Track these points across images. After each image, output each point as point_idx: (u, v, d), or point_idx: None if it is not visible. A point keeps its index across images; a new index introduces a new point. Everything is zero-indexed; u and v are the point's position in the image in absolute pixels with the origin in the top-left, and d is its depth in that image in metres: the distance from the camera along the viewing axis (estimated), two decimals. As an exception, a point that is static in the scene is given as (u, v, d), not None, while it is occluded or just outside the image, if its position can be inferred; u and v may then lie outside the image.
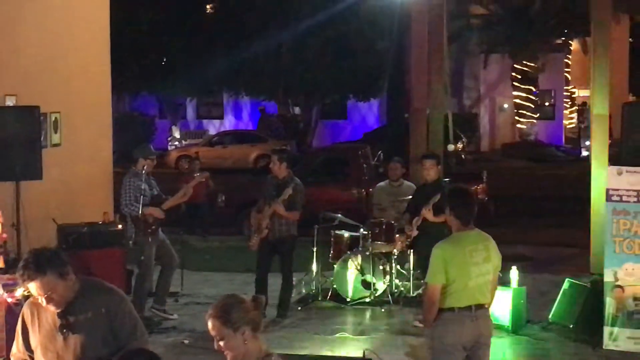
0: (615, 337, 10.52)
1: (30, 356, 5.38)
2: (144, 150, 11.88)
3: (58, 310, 5.23)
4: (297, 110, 36.85)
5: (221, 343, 4.68)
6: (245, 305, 4.76)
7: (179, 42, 33.71)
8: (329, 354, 10.47)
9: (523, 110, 44.30)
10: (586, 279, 12.02)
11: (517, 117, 44.47)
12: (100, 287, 5.45)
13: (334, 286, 12.76)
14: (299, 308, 12.43)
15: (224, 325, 4.67)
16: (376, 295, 12.56)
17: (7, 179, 11.28)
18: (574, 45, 45.08)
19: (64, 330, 5.24)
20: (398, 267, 12.82)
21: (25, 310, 5.43)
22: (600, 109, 14.51)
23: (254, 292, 11.94)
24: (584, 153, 35.13)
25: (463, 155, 35.24)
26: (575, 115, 47.26)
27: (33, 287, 5.16)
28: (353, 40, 32.06)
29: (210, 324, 4.71)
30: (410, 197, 12.82)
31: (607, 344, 10.53)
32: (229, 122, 42.64)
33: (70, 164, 14.10)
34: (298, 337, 11.21)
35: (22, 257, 5.59)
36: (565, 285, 11.73)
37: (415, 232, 11.84)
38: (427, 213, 11.41)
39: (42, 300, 5.20)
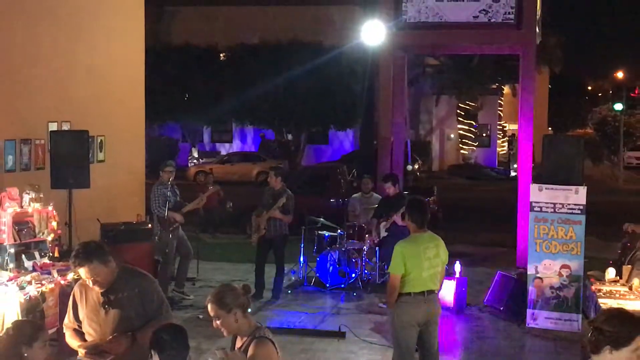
0: (536, 317, 10.55)
1: (78, 325, 5.36)
2: (161, 165, 11.93)
3: (101, 290, 5.22)
4: (289, 136, 36.75)
5: (218, 322, 4.66)
6: (236, 292, 4.74)
7: (198, 83, 33.71)
8: (312, 327, 10.50)
9: (465, 139, 44.47)
10: (513, 272, 12.04)
11: (460, 145, 44.62)
12: (134, 272, 5.44)
13: (317, 275, 12.75)
14: (289, 291, 12.39)
15: (220, 308, 4.65)
16: (349, 282, 12.55)
17: (62, 187, 11.26)
18: (506, 89, 45.30)
19: (106, 306, 5.22)
20: (367, 260, 12.83)
21: (76, 289, 5.41)
22: (525, 139, 14.58)
23: (254, 278, 11.98)
24: (513, 173, 35.22)
25: (418, 174, 35.28)
26: (506, 144, 47.42)
27: (82, 272, 5.15)
28: (334, 83, 32.08)
29: (209, 307, 4.70)
30: (376, 205, 12.88)
31: (529, 322, 10.57)
32: (236, 145, 42.52)
33: (112, 176, 14.09)
34: (288, 314, 11.19)
35: (74, 248, 5.57)
36: (497, 276, 11.77)
37: (384, 233, 11.84)
38: (397, 218, 11.44)
39: (89, 282, 5.18)
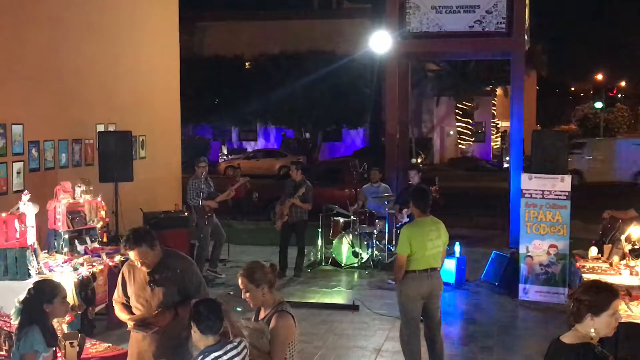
0: (527, 291, 10.56)
1: (126, 300, 5.38)
2: (195, 161, 12.01)
3: (148, 270, 5.24)
4: (307, 135, 36.75)
5: (247, 295, 4.68)
6: (265, 269, 4.74)
7: (227, 89, 33.75)
8: (329, 301, 10.54)
9: (463, 135, 44.27)
10: (507, 251, 12.03)
11: (459, 140, 44.44)
12: (176, 254, 5.45)
13: (333, 255, 12.77)
14: (309, 270, 12.43)
15: (250, 283, 4.66)
16: (362, 261, 12.57)
17: (109, 181, 11.34)
18: (498, 91, 45.04)
19: (152, 284, 5.24)
20: (377, 242, 12.84)
21: (124, 269, 5.44)
22: (516, 134, 14.53)
23: (278, 260, 12.03)
24: (505, 165, 35.08)
25: (421, 166, 35.19)
26: (499, 139, 47.22)
27: (132, 254, 5.17)
28: (346, 87, 32.03)
29: (240, 280, 4.71)
30: (387, 193, 12.89)
31: (521, 295, 10.57)
32: (260, 143, 42.52)
33: (152, 171, 14.16)
34: (308, 289, 11.23)
35: (120, 234, 5.60)
36: (492, 255, 11.76)
37: (406, 219, 11.80)
38: None
39: (138, 263, 5.20)
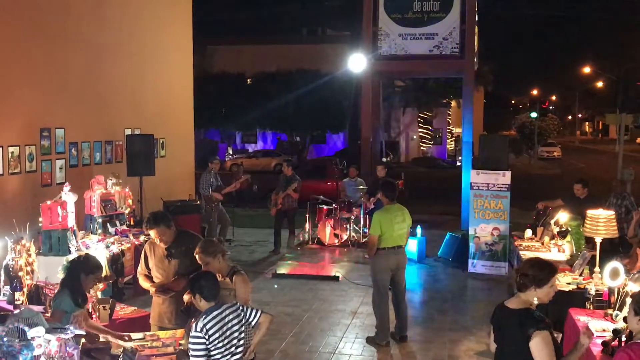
0: (475, 265, 10.62)
1: (148, 272, 5.37)
2: (210, 159, 11.99)
3: (165, 246, 5.24)
4: (298, 138, 36.68)
5: (207, 266, 4.63)
6: (215, 242, 4.77)
7: (232, 100, 33.57)
8: (315, 273, 10.56)
9: (424, 139, 44.34)
10: (459, 232, 12.08)
11: (421, 143, 44.49)
12: (189, 233, 5.44)
13: (318, 236, 12.79)
14: (298, 248, 12.42)
15: (206, 256, 4.65)
16: (342, 241, 12.59)
17: (135, 175, 11.28)
18: (453, 103, 45.03)
19: (169, 257, 5.24)
20: (354, 226, 12.86)
21: (146, 246, 5.42)
22: (467, 138, 14.59)
23: (273, 240, 12.03)
24: (458, 163, 35.18)
25: (390, 163, 35.18)
26: (453, 142, 47.34)
27: (152, 232, 5.17)
28: (329, 99, 31.94)
29: (198, 257, 4.70)
30: (362, 186, 12.89)
31: (470, 268, 10.63)
32: (259, 145, 42.40)
33: (170, 167, 14.11)
34: (298, 264, 11.24)
35: (144, 218, 5.57)
36: (447, 236, 11.81)
37: (372, 205, 11.82)
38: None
39: (157, 240, 5.20)
